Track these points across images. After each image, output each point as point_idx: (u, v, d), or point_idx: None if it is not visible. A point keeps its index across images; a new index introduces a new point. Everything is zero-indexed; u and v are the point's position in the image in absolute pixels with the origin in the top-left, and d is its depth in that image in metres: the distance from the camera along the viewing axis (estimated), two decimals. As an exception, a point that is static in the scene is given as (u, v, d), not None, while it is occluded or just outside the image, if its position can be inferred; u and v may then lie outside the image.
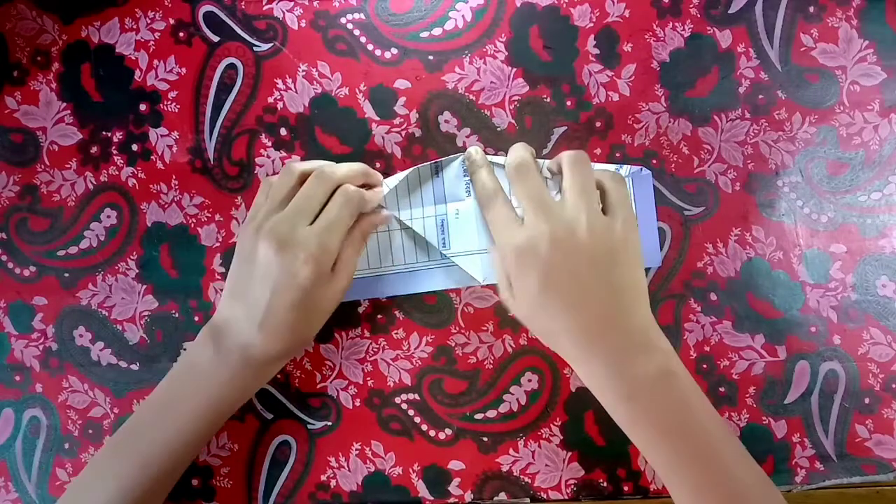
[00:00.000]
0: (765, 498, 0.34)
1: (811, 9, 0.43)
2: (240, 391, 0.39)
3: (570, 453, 0.43)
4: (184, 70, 0.45)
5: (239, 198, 0.45)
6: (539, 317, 0.37)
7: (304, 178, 0.39)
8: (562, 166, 0.38)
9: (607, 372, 0.35)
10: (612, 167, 0.42)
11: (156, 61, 0.45)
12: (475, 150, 0.42)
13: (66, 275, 0.45)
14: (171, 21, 0.45)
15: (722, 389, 0.42)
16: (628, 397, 0.35)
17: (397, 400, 0.44)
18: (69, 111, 0.46)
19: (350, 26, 0.44)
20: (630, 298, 0.36)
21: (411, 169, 0.42)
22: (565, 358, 0.38)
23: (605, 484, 0.43)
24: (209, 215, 0.45)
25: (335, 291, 0.39)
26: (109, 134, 0.45)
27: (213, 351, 0.38)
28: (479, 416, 0.43)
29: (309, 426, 0.44)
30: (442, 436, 0.43)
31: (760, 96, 0.43)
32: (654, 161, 0.43)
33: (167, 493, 0.39)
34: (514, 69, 0.44)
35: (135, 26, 0.45)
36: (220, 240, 0.45)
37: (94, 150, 0.45)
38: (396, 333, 0.44)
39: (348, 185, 0.39)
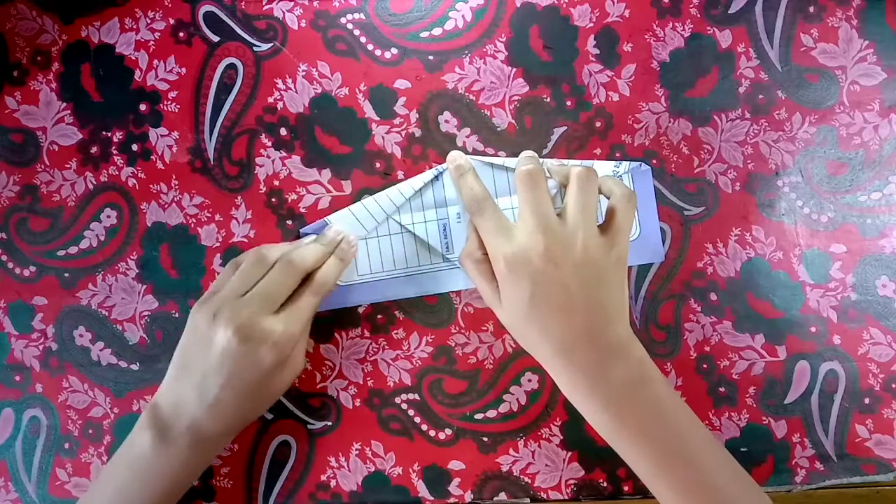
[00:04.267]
0: (748, 502, 0.34)
1: (811, 9, 0.43)
2: (190, 472, 0.39)
3: (570, 453, 0.43)
4: (184, 70, 0.45)
5: (239, 198, 0.45)
6: (523, 325, 0.37)
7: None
8: (569, 180, 0.38)
9: (586, 381, 0.36)
10: (611, 164, 0.42)
11: (156, 61, 0.45)
12: (459, 154, 0.42)
13: (66, 275, 0.45)
14: (171, 21, 0.45)
15: (722, 389, 0.42)
16: (606, 405, 0.35)
17: (397, 400, 0.44)
18: (69, 111, 0.46)
19: (350, 26, 0.44)
20: (612, 315, 0.37)
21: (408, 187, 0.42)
22: (545, 366, 0.38)
23: (605, 484, 0.43)
24: (209, 215, 0.45)
25: (291, 375, 0.40)
26: (109, 134, 0.45)
27: (159, 437, 0.37)
28: (479, 416, 0.43)
29: (309, 426, 0.44)
30: (442, 436, 0.43)
31: (760, 96, 0.43)
32: (654, 161, 0.43)
33: None
34: (514, 69, 0.44)
35: (135, 26, 0.45)
36: (220, 240, 0.45)
37: (94, 150, 0.45)
38: (396, 333, 0.44)
39: (322, 275, 0.39)
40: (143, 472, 0.37)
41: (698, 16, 0.43)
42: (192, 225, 0.45)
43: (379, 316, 0.44)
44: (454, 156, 0.42)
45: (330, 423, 0.44)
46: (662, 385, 0.36)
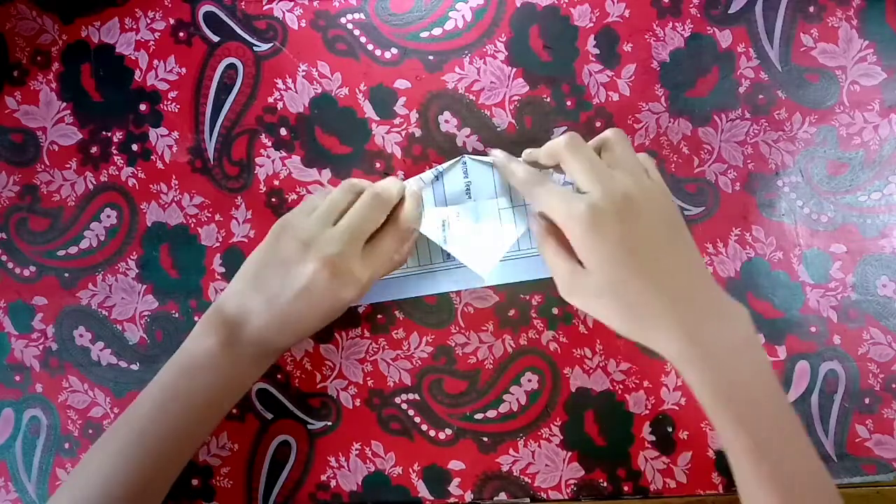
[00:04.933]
0: (818, 489, 0.33)
1: (811, 9, 0.43)
2: (244, 383, 0.39)
3: (570, 453, 0.43)
4: (184, 70, 0.45)
5: (239, 198, 0.45)
6: (623, 277, 0.34)
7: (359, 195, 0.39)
8: (607, 142, 0.36)
9: (689, 338, 0.33)
10: None
11: (156, 61, 0.45)
12: (500, 152, 0.40)
13: (66, 275, 0.45)
14: (171, 21, 0.45)
15: (722, 389, 0.42)
16: (712, 363, 0.33)
17: (397, 400, 0.44)
18: (69, 111, 0.46)
19: (350, 26, 0.44)
20: (700, 262, 0.35)
21: (415, 181, 0.42)
22: (646, 329, 0.34)
23: (605, 484, 0.43)
24: (209, 215, 0.45)
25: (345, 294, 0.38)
26: (109, 134, 0.45)
27: (224, 340, 0.37)
28: (479, 416, 0.43)
29: (309, 426, 0.44)
30: (442, 436, 0.43)
31: (760, 96, 0.43)
32: (654, 161, 0.43)
33: (168, 487, 0.39)
34: (514, 69, 0.44)
35: (135, 26, 0.45)
36: (220, 240, 0.45)
37: (94, 150, 0.45)
38: (396, 333, 0.44)
39: (405, 214, 0.39)
40: (202, 374, 0.37)
41: (698, 16, 0.43)
42: (192, 225, 0.45)
43: (379, 316, 0.44)
44: (496, 152, 0.41)
45: (330, 423, 0.44)
46: (762, 351, 0.35)
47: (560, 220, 0.35)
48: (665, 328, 0.34)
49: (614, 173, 0.35)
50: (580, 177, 0.35)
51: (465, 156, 0.42)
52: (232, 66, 0.45)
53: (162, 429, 0.37)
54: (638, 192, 0.34)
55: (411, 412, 0.43)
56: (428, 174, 0.42)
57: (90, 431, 0.45)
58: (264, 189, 0.44)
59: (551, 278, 0.37)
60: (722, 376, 0.33)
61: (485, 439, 0.43)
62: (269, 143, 0.45)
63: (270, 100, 0.45)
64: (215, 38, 0.45)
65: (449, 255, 0.43)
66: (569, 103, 0.44)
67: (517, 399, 0.43)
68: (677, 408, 0.42)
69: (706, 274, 0.35)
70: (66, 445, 0.45)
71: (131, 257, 0.45)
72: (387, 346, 0.44)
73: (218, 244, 0.45)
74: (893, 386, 0.42)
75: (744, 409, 0.33)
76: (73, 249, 0.45)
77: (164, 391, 0.37)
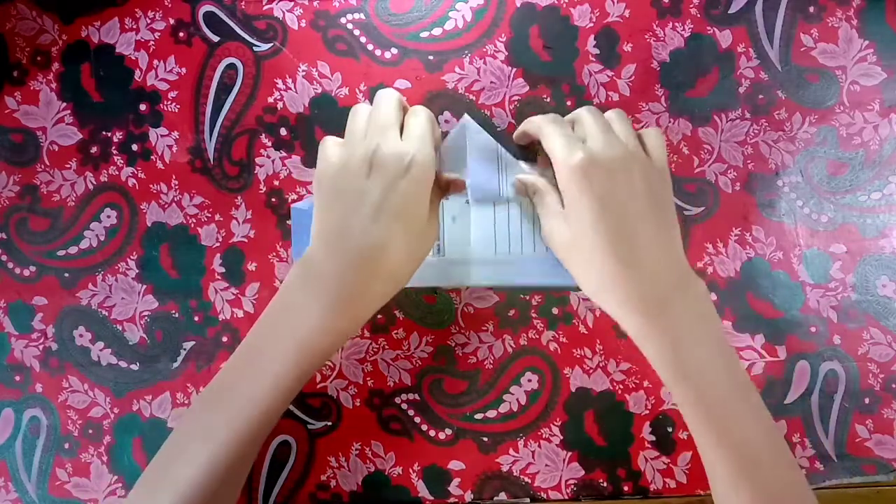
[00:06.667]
0: (776, 449, 0.34)
1: (811, 9, 0.43)
2: (333, 333, 0.36)
3: (570, 453, 0.43)
4: (184, 70, 0.45)
5: (239, 198, 0.45)
6: (590, 235, 0.34)
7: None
8: (583, 118, 0.37)
9: (645, 306, 0.34)
10: None
11: (156, 61, 0.45)
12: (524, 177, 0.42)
13: (66, 275, 0.45)
14: (171, 21, 0.45)
15: (722, 389, 0.42)
16: (666, 339, 0.34)
17: (397, 400, 0.44)
18: (69, 111, 0.46)
19: (350, 26, 0.45)
20: (676, 238, 0.36)
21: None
22: (602, 288, 0.35)
23: (605, 484, 0.43)
24: (209, 215, 0.45)
25: (430, 234, 0.38)
26: (109, 134, 0.45)
27: (302, 285, 0.35)
28: (479, 416, 0.43)
29: (309, 426, 0.44)
30: (442, 436, 0.43)
31: (760, 96, 0.43)
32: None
33: (258, 450, 0.38)
34: (514, 69, 0.44)
35: (135, 26, 0.45)
36: (220, 240, 0.45)
37: (94, 150, 0.45)
38: (396, 333, 0.44)
39: (416, 106, 0.39)
40: (285, 325, 0.35)
41: (698, 16, 0.43)
42: (192, 225, 0.45)
43: (379, 316, 0.44)
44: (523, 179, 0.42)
45: (330, 423, 0.44)
46: (719, 327, 0.36)
47: (557, 163, 0.36)
48: (623, 302, 0.35)
49: (620, 136, 0.36)
50: (590, 128, 0.36)
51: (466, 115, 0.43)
52: (232, 66, 0.45)
53: (246, 387, 0.35)
54: (633, 158, 0.35)
55: (411, 412, 0.43)
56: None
57: (90, 431, 0.45)
58: (264, 189, 0.45)
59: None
60: (676, 352, 0.34)
61: (485, 439, 0.43)
62: (269, 143, 0.45)
63: (270, 100, 0.45)
64: (215, 38, 0.45)
65: (439, 249, 0.43)
66: (569, 103, 0.44)
67: (517, 399, 0.43)
68: (677, 408, 0.42)
69: (677, 250, 0.36)
70: (66, 445, 0.45)
71: (131, 257, 0.45)
72: (387, 346, 0.44)
73: (218, 244, 0.45)
74: (893, 386, 0.42)
75: (698, 383, 0.34)
76: (73, 249, 0.45)
77: (249, 346, 0.36)
